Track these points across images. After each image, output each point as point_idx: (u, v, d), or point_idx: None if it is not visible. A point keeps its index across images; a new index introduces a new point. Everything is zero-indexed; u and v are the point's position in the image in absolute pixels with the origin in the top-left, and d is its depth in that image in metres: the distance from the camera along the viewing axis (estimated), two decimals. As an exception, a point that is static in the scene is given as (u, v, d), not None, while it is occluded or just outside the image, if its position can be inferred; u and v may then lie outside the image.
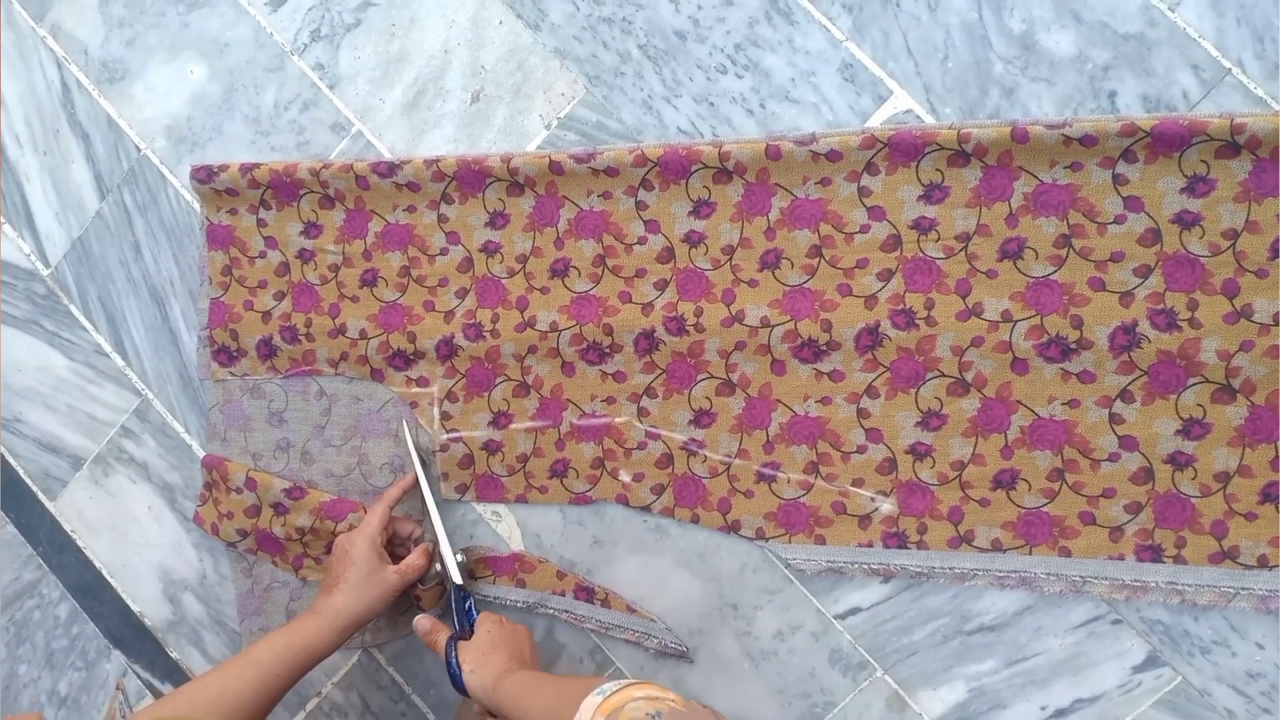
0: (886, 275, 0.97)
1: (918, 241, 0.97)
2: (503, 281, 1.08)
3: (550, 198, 1.05)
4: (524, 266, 1.07)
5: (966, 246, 0.96)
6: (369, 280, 1.12)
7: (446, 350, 1.09)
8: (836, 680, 1.03)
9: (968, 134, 0.93)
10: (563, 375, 1.07)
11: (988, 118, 0.95)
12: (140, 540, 1.25)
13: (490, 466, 1.10)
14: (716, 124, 1.01)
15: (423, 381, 1.11)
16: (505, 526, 1.12)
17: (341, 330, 1.13)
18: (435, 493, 1.11)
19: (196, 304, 1.19)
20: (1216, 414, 0.92)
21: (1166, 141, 0.88)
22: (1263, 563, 0.92)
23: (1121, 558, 0.95)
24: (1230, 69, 0.89)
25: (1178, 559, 0.94)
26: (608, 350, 1.05)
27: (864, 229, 0.98)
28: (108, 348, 1.24)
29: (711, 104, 1.01)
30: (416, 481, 1.11)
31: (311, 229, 1.13)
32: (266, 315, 1.15)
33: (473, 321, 1.08)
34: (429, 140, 1.09)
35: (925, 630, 1.00)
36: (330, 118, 1.12)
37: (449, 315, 1.09)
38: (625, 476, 1.06)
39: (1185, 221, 0.90)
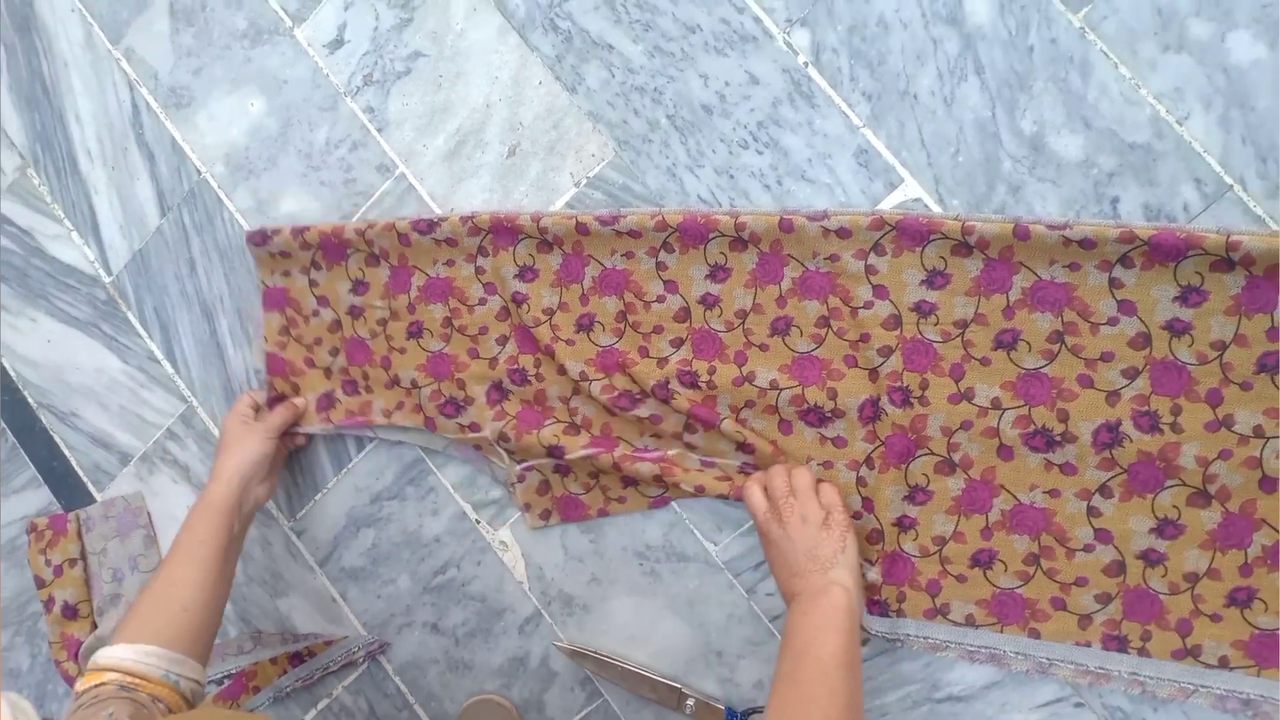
0: (886, 352, 1.00)
1: (917, 324, 1.00)
2: (532, 331, 1.10)
3: (576, 256, 1.09)
4: (550, 320, 1.10)
5: (963, 333, 0.98)
6: (414, 332, 1.15)
7: (496, 395, 1.13)
8: (810, 733, 1.07)
9: (971, 226, 0.95)
10: (606, 414, 1.10)
11: (993, 212, 0.97)
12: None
13: (567, 487, 1.13)
14: (735, 195, 1.04)
15: (474, 428, 1.13)
16: (511, 557, 1.17)
17: (396, 381, 1.17)
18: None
19: (250, 363, 1.25)
20: (1190, 517, 0.94)
21: (1163, 251, 0.90)
22: (1223, 663, 0.94)
23: (1088, 644, 0.98)
24: (1232, 185, 0.91)
25: (1142, 651, 0.96)
26: (638, 396, 1.07)
27: (867, 305, 1.00)
28: (160, 355, 1.31)
29: (731, 176, 1.05)
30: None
31: (359, 286, 1.17)
32: (328, 371, 1.20)
33: (516, 366, 1.11)
34: (466, 188, 1.13)
35: (897, 694, 1.04)
36: (376, 159, 1.17)
37: (493, 361, 1.12)
38: (687, 488, 1.06)
39: (1176, 329, 0.92)
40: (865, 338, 1.00)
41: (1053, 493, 0.97)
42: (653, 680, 1.10)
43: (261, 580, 1.28)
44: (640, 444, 1.09)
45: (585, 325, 1.09)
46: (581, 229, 1.06)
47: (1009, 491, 0.98)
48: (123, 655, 0.90)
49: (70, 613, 1.32)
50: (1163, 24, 0.91)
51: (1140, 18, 0.92)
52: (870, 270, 0.99)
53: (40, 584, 1.34)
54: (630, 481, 1.10)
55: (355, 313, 1.18)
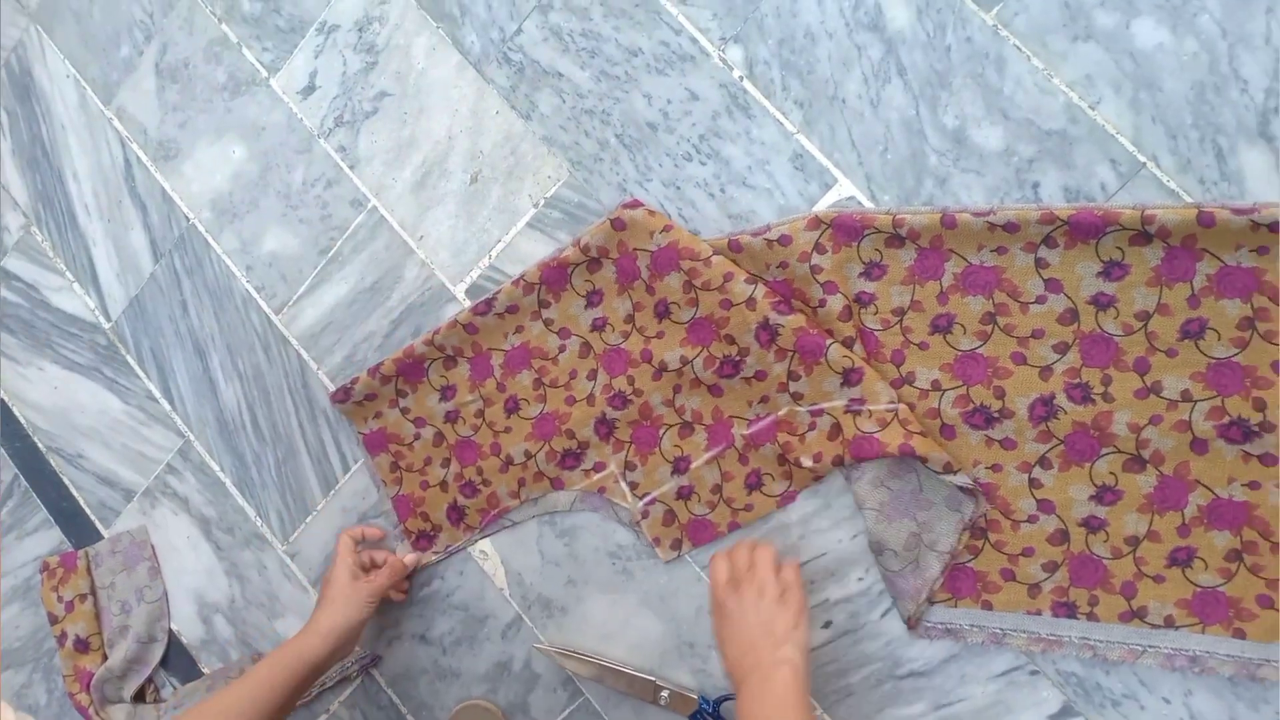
0: (847, 344, 1.04)
1: (859, 313, 1.04)
2: (622, 346, 1.14)
3: (625, 256, 1.11)
4: (634, 324, 1.13)
5: (901, 320, 1.03)
6: (512, 408, 1.19)
7: (605, 429, 1.15)
8: (783, 717, 1.10)
9: (902, 219, 1.00)
10: (711, 397, 1.11)
11: (922, 204, 1.02)
12: (179, 567, 1.37)
13: (692, 511, 1.13)
14: (682, 205, 1.10)
15: (599, 466, 1.16)
16: (491, 565, 1.21)
17: (509, 461, 1.19)
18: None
19: (378, 507, 1.29)
20: (1127, 482, 0.97)
21: (1084, 229, 0.94)
22: (1169, 623, 0.96)
23: (1039, 613, 1.01)
24: (1145, 163, 0.95)
25: (1090, 616, 0.99)
26: (738, 358, 1.07)
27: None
28: (157, 394, 1.37)
29: (678, 188, 1.10)
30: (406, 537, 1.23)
31: (447, 391, 1.22)
32: (444, 485, 1.23)
33: (613, 392, 1.14)
34: (433, 215, 1.20)
35: (861, 674, 1.07)
36: (350, 194, 1.24)
37: (590, 399, 1.15)
38: (807, 461, 1.05)
39: (1101, 303, 0.96)
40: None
41: (994, 467, 1.01)
42: (629, 675, 1.13)
43: (259, 603, 1.33)
44: (751, 415, 1.10)
45: (661, 312, 1.11)
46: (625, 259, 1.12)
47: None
48: None
49: (82, 646, 1.37)
50: (1070, 16, 0.96)
51: (1049, 12, 0.97)
52: (816, 270, 1.04)
53: (53, 620, 1.40)
54: (753, 485, 1.10)
55: (451, 417, 1.22)
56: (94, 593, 1.39)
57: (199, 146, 1.32)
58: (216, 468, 1.35)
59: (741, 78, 1.07)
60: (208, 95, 1.31)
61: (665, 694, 1.12)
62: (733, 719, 0.96)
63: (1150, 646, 0.97)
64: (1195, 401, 0.94)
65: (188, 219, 1.33)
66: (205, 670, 1.36)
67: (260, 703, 1.05)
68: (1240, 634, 0.95)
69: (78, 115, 1.39)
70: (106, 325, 1.40)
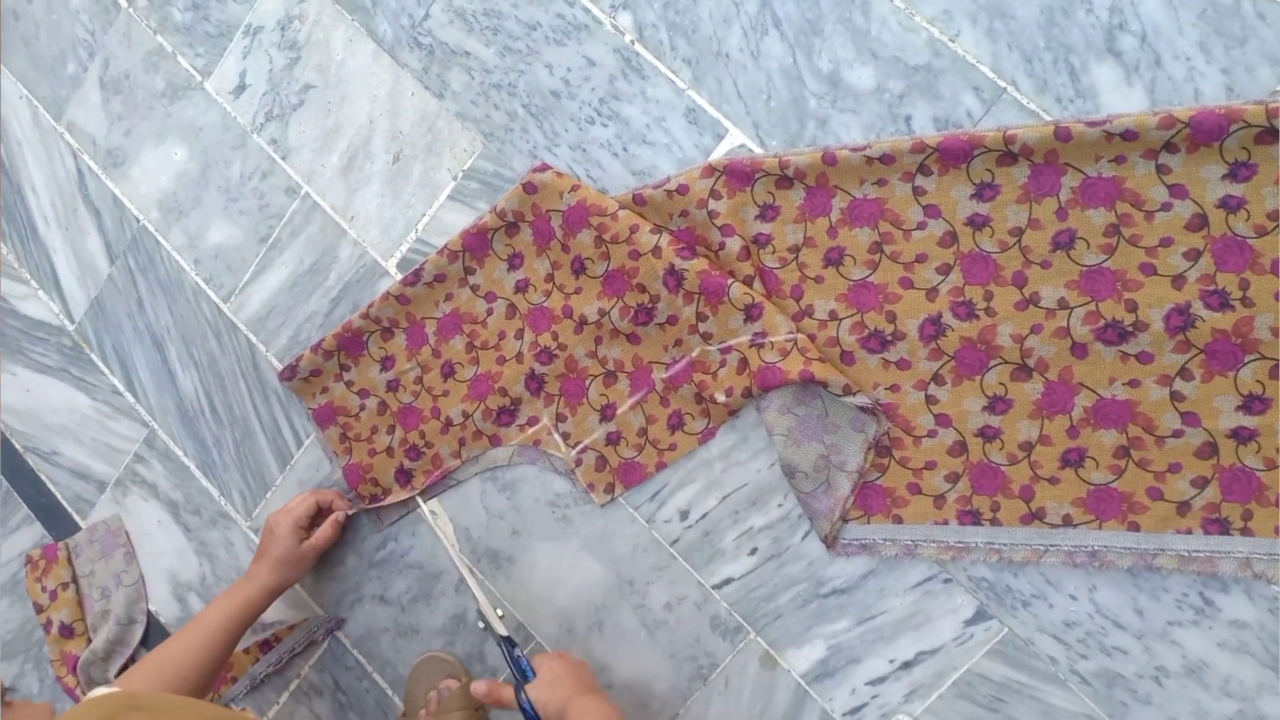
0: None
1: (758, 254, 1.09)
2: (544, 305, 1.19)
3: (539, 219, 1.16)
4: (554, 283, 1.18)
5: (796, 257, 1.08)
6: (448, 372, 1.25)
7: (535, 384, 1.20)
8: (718, 644, 1.14)
9: (788, 161, 1.05)
10: (630, 345, 1.15)
11: (806, 146, 1.07)
12: (152, 550, 1.43)
13: (621, 455, 1.18)
14: (589, 166, 1.15)
15: (533, 421, 1.22)
16: (441, 523, 1.26)
17: (449, 423, 1.24)
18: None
19: (331, 477, 1.33)
20: (1016, 390, 1.01)
21: (952, 155, 0.99)
22: (1067, 522, 1.00)
23: (946, 523, 1.05)
24: (1006, 88, 0.99)
25: (994, 521, 1.03)
26: (650, 306, 1.11)
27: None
28: (121, 388, 1.44)
29: (584, 150, 1.15)
30: (349, 505, 1.27)
31: (386, 362, 1.28)
32: (390, 450, 1.28)
33: (539, 349, 1.19)
34: (361, 196, 1.25)
35: (788, 595, 1.11)
36: (284, 184, 1.30)
37: (519, 357, 1.20)
38: (720, 397, 1.09)
39: (976, 223, 1.00)
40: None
41: (893, 388, 1.05)
42: (481, 606, 1.18)
43: (228, 578, 1.39)
44: (668, 359, 1.14)
45: (578, 269, 1.16)
46: (539, 213, 1.16)
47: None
48: None
49: (67, 631, 1.43)
50: (927, -44, 1.01)
51: (909, -46, 1.02)
52: (713, 208, 1.08)
53: (39, 609, 1.46)
54: (675, 425, 1.15)
55: (393, 386, 1.28)
56: (75, 581, 1.45)
57: (144, 151, 1.38)
58: (180, 453, 1.41)
59: (633, 41, 1.12)
60: (149, 103, 1.37)
61: (480, 624, 1.19)
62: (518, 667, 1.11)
63: (1051, 545, 1.01)
64: (1072, 308, 0.98)
65: (138, 220, 1.39)
66: (184, 647, 1.42)
67: (210, 645, 1.13)
68: (1135, 527, 0.98)
69: (31, 132, 1.45)
70: (71, 327, 1.46)
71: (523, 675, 1.11)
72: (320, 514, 1.25)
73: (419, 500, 1.26)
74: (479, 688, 1.14)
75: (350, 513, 1.27)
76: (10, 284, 1.50)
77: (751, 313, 1.07)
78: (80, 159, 1.43)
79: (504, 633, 1.16)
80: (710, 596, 1.14)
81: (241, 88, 1.31)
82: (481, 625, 1.19)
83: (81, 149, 1.42)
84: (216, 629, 1.15)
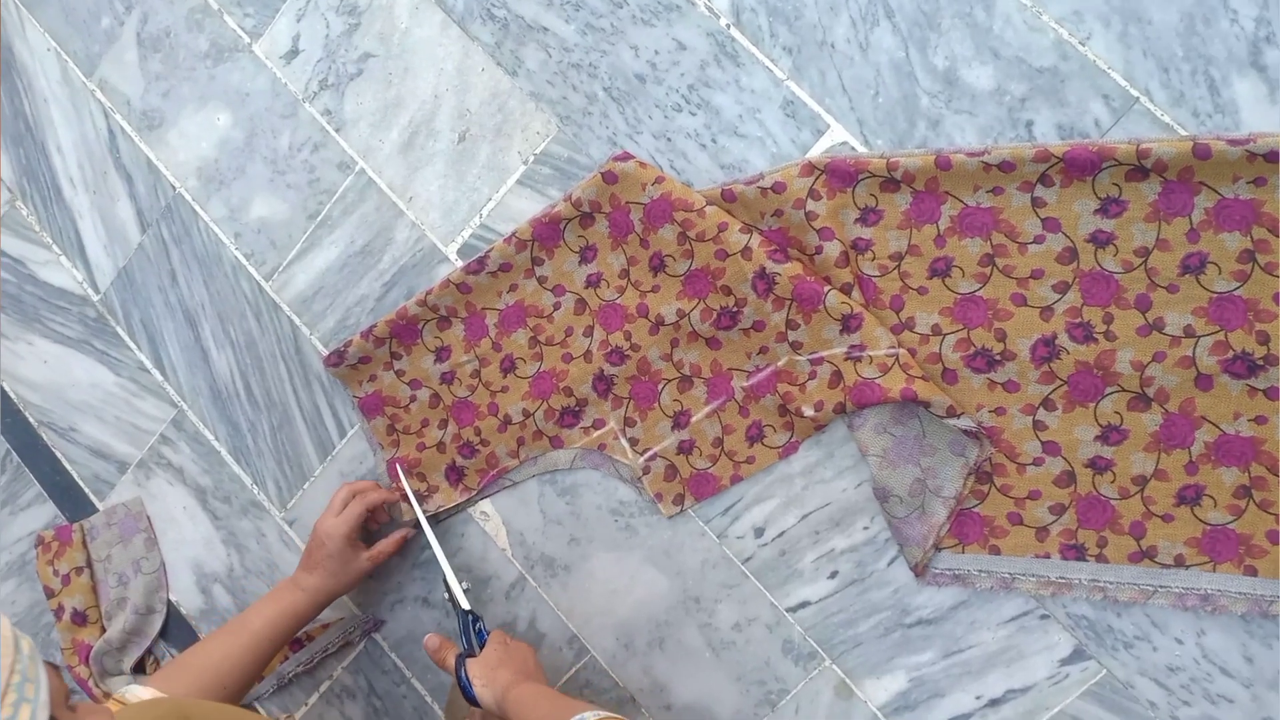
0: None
1: (856, 260, 1.01)
2: (617, 302, 1.11)
3: (617, 210, 1.08)
4: (628, 279, 1.10)
5: (899, 265, 1.00)
6: (508, 367, 1.16)
7: (603, 385, 1.12)
8: (789, 669, 1.07)
9: (896, 162, 0.97)
10: (710, 350, 1.08)
11: (915, 147, 0.99)
12: (177, 538, 1.34)
13: (694, 465, 1.10)
14: (673, 157, 1.07)
15: (599, 423, 1.14)
16: (492, 526, 1.18)
17: (507, 421, 1.16)
18: (434, 527, 1.18)
19: (375, 471, 1.25)
20: (1133, 421, 0.94)
21: (1079, 166, 0.91)
22: (1179, 562, 0.94)
23: (1047, 556, 0.98)
24: (1138, 98, 0.92)
25: (1099, 558, 0.96)
26: (736, 309, 1.04)
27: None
28: (149, 364, 1.34)
29: (669, 139, 1.07)
30: (402, 498, 1.19)
31: (442, 352, 1.18)
32: (441, 446, 1.19)
33: (610, 348, 1.11)
34: (422, 176, 1.16)
35: (869, 623, 1.04)
36: (337, 158, 1.21)
37: (587, 355, 1.12)
38: (808, 410, 1.02)
39: (1099, 240, 0.93)
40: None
41: (998, 410, 0.98)
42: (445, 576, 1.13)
43: (258, 571, 1.30)
44: (750, 366, 1.07)
45: (656, 266, 1.08)
46: (614, 202, 1.08)
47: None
48: (147, 699, 0.97)
49: (80, 619, 1.35)
50: (1059, -50, 0.93)
51: (1038, -53, 0.94)
52: (811, 216, 1.01)
53: (50, 594, 1.37)
54: (755, 437, 1.08)
55: (447, 378, 1.19)
56: (90, 565, 1.36)
57: (183, 115, 1.28)
58: (211, 437, 1.32)
59: (729, 25, 1.04)
60: (190, 64, 1.27)
61: (445, 595, 1.14)
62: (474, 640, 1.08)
63: (1161, 586, 0.94)
64: (1198, 337, 0.91)
65: (174, 188, 1.29)
66: (206, 641, 1.34)
67: (253, 652, 1.07)
68: (1251, 571, 0.92)
69: (60, 89, 1.35)
70: (95, 298, 1.36)
71: (471, 651, 1.07)
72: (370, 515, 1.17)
73: (400, 469, 1.19)
74: (431, 641, 1.10)
75: (411, 531, 1.21)
76: (30, 248, 1.40)
77: (849, 324, 0.99)
78: (113, 119, 1.32)
79: (467, 606, 1.11)
80: (784, 619, 1.07)
81: (294, 53, 1.22)
82: (446, 596, 1.13)
83: (114, 109, 1.32)
84: (261, 636, 1.08)
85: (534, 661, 1.07)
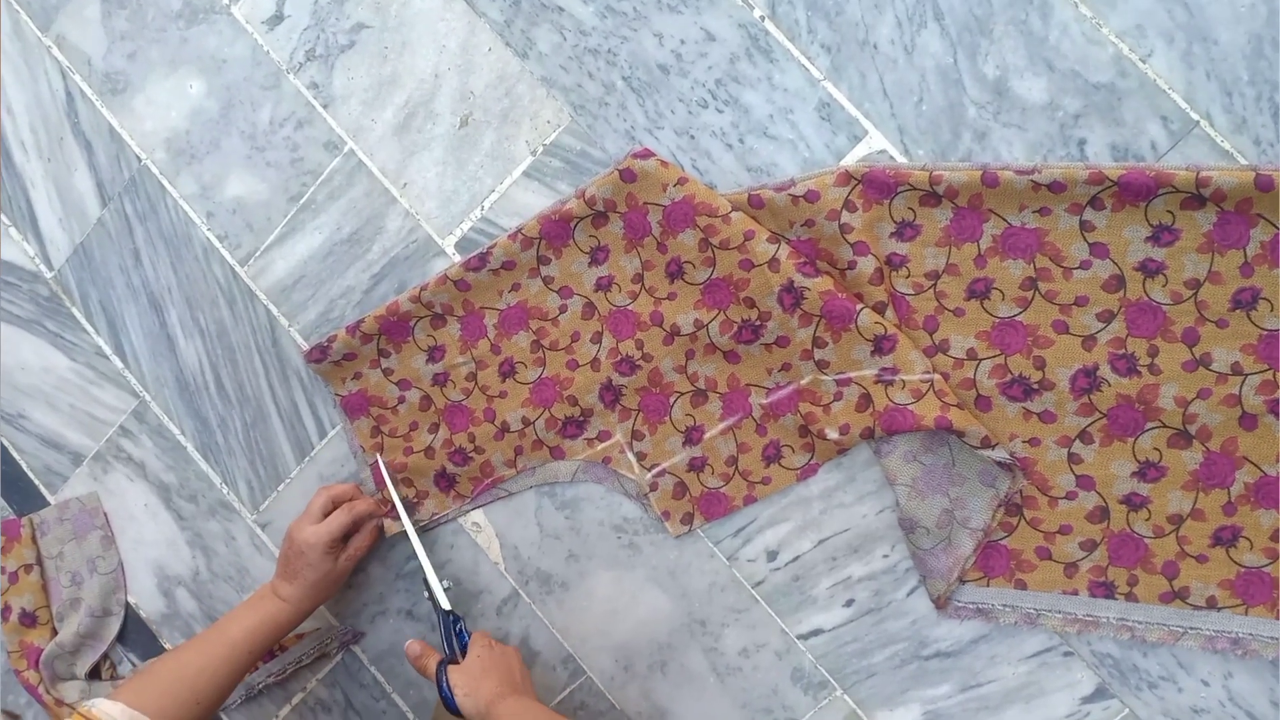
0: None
1: (889, 276, 0.95)
2: (629, 308, 1.03)
3: (634, 211, 1.01)
4: (642, 284, 1.03)
5: (935, 284, 0.95)
6: (507, 371, 1.08)
7: (610, 396, 1.05)
8: (798, 698, 1.03)
9: (939, 176, 0.91)
10: (727, 364, 1.02)
11: (959, 160, 0.93)
12: (136, 537, 1.25)
13: (705, 484, 1.04)
14: (696, 156, 0.99)
15: (604, 435, 1.07)
16: (485, 538, 1.11)
17: (505, 428, 1.08)
18: (416, 524, 1.11)
19: (357, 476, 1.17)
20: (1172, 458, 0.90)
21: (1133, 191, 0.86)
22: (1211, 604, 0.91)
23: (1075, 593, 0.94)
24: (1198, 121, 0.87)
25: (1129, 596, 0.93)
26: (759, 324, 0.98)
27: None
28: (108, 350, 1.23)
29: (692, 137, 0.99)
30: (388, 509, 1.11)
31: (435, 352, 1.10)
32: (430, 451, 1.11)
33: (619, 356, 1.03)
34: (418, 161, 1.07)
35: (884, 653, 1.00)
36: (324, 136, 1.11)
37: (595, 363, 1.05)
38: (832, 433, 0.97)
39: (1149, 270, 0.89)
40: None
41: (1032, 441, 0.94)
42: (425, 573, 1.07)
43: (226, 576, 1.22)
44: (770, 383, 1.00)
45: (675, 273, 1.01)
46: (631, 201, 1.01)
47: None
48: (117, 717, 0.90)
49: (29, 620, 1.25)
50: (1122, -40, 0.87)
51: (1098, -45, 0.88)
52: (846, 229, 0.94)
53: (-5, 592, 1.27)
54: (772, 457, 1.02)
55: (440, 380, 1.10)
56: (40, 563, 1.26)
57: (151, 80, 1.16)
58: (176, 431, 1.22)
59: (763, 17, 0.97)
60: (160, 23, 1.15)
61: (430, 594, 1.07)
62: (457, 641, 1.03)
63: (1191, 628, 0.91)
64: (1246, 375, 0.87)
65: (139, 160, 1.18)
66: (168, 646, 1.25)
67: (230, 663, 1.00)
68: (1284, 615, 0.89)
69: (10, 43, 1.22)
70: (48, 275, 1.25)
71: (453, 657, 1.02)
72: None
73: (381, 460, 1.12)
74: (413, 647, 1.04)
75: (386, 532, 1.12)
76: (-25, 217, 1.27)
77: (882, 345, 0.94)
78: (70, 80, 1.20)
79: (448, 606, 1.05)
80: (794, 646, 1.02)
81: (278, 18, 1.11)
82: (426, 595, 1.07)
83: (73, 69, 1.20)
84: (240, 647, 1.00)
85: (520, 668, 1.01)
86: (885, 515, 0.98)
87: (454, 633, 1.04)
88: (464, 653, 1.02)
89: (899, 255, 0.95)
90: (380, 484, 1.12)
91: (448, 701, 0.97)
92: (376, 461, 1.12)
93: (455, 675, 0.98)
